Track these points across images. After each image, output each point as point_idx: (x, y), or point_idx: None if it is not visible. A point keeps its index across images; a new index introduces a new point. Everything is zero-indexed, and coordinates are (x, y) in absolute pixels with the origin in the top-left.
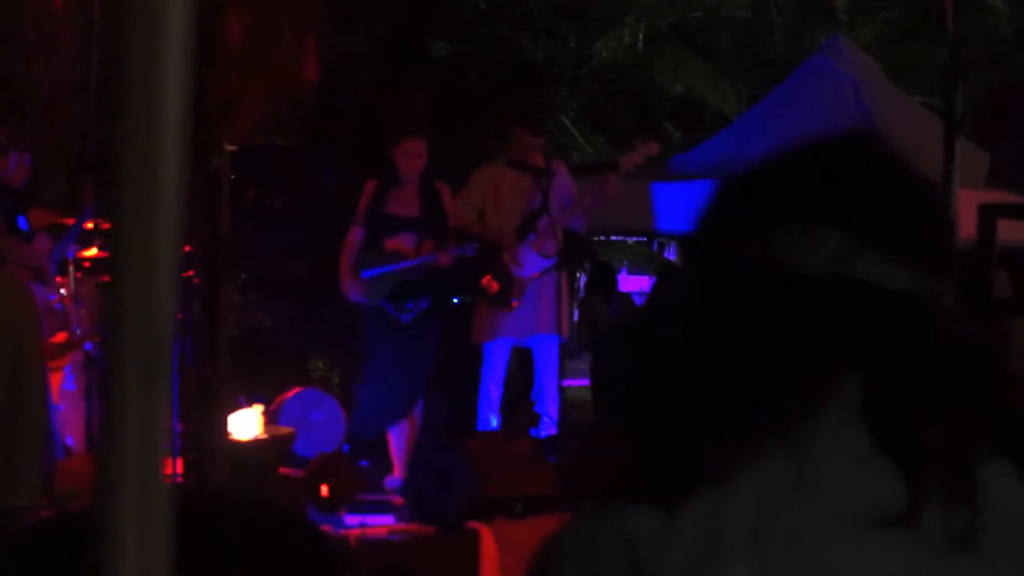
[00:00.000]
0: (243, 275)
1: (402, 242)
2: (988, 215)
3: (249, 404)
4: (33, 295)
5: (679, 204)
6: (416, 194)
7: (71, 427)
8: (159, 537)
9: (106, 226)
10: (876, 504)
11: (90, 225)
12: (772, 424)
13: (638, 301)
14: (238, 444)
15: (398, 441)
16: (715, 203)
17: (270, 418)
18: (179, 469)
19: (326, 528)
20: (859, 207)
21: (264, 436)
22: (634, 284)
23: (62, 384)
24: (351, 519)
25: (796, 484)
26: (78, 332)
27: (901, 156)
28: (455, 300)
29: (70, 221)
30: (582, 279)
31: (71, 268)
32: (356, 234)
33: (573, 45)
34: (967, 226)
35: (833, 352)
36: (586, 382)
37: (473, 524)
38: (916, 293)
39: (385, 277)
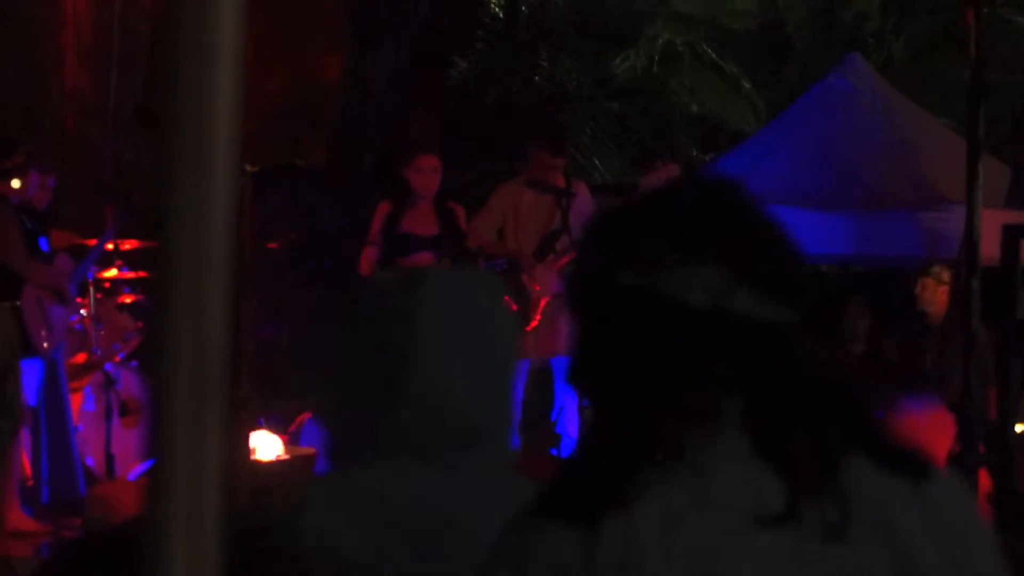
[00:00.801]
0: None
1: (420, 262)
2: (1012, 235)
3: (270, 425)
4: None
5: None
6: (432, 212)
7: (91, 447)
8: (209, 560)
9: (126, 246)
10: (762, 507)
11: (110, 246)
12: (671, 447)
13: None
14: (260, 466)
15: None
16: (603, 241)
17: (291, 439)
18: None
19: None
20: (735, 248)
21: (286, 457)
22: None
23: (82, 405)
24: None
25: (693, 499)
26: (98, 353)
27: (759, 200)
28: None
29: (91, 242)
30: None
31: (91, 289)
32: (371, 255)
33: (591, 65)
34: (990, 246)
35: (719, 376)
36: None
37: None
38: (781, 322)
39: None
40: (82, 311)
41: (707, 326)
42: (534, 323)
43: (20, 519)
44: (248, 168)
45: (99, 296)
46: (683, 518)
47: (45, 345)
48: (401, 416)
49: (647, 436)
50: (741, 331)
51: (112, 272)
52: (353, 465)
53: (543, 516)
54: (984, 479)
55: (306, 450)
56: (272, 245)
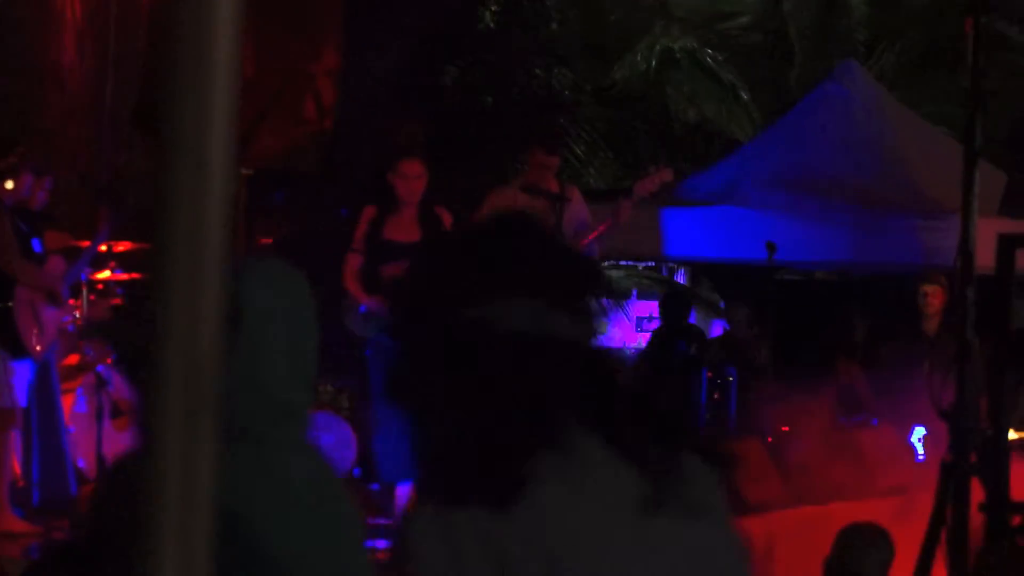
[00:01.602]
0: None
1: (399, 270)
2: (1007, 245)
3: None
4: None
5: (688, 229)
6: (416, 220)
7: (82, 449)
8: (200, 566)
9: (120, 248)
10: (628, 495)
11: (104, 248)
12: (541, 448)
13: (643, 326)
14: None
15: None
16: (432, 277)
17: None
18: None
19: None
20: (545, 279)
21: None
22: (643, 309)
23: (74, 406)
24: None
25: (573, 490)
26: (90, 354)
27: (557, 232)
28: None
29: (84, 244)
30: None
31: (84, 290)
32: (354, 261)
33: (587, 72)
34: (985, 255)
35: (555, 390)
36: None
37: None
38: (583, 339)
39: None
40: (75, 313)
41: (531, 347)
42: None
43: (10, 520)
44: (244, 171)
45: (92, 297)
46: (569, 506)
47: (37, 347)
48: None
49: (520, 440)
50: (559, 349)
51: (105, 274)
52: None
53: (453, 504)
54: (976, 488)
55: None
56: (266, 241)
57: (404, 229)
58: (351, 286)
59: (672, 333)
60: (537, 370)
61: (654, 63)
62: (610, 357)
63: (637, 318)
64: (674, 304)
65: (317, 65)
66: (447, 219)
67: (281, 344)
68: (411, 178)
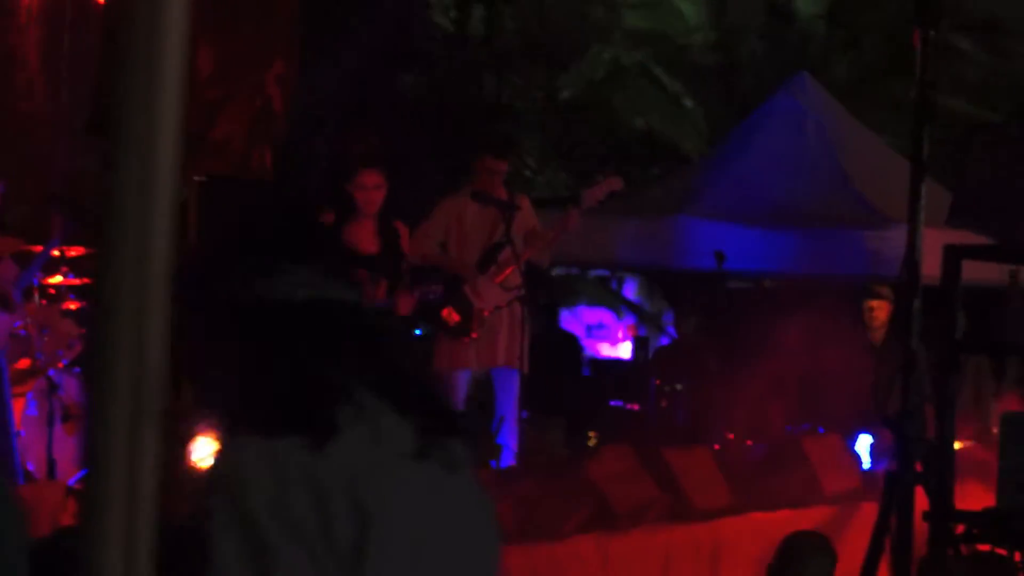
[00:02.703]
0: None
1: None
2: (953, 256)
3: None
4: None
5: (639, 238)
6: (374, 231)
7: (33, 453)
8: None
9: (72, 253)
10: (407, 445)
11: (56, 253)
12: (339, 402)
13: (593, 333)
14: (200, 472)
15: None
16: (218, 256)
17: None
18: None
19: None
20: (314, 253)
21: None
22: (593, 317)
23: (24, 410)
24: None
25: (367, 437)
26: (41, 359)
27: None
28: (416, 332)
29: (37, 248)
30: None
31: (36, 295)
32: None
33: (538, 81)
34: (931, 265)
35: (338, 349)
36: None
37: None
38: (355, 301)
39: None
40: (26, 317)
41: (313, 311)
42: (474, 334)
43: None
44: (196, 178)
45: (44, 302)
46: (368, 451)
47: None
48: None
49: (321, 396)
50: (339, 312)
51: (57, 278)
52: None
53: (276, 438)
54: (921, 497)
55: None
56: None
57: (363, 239)
58: None
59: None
60: (322, 334)
61: (603, 73)
62: (388, 323)
63: (587, 326)
64: None
65: (268, 72)
66: (404, 232)
67: None
68: (370, 188)
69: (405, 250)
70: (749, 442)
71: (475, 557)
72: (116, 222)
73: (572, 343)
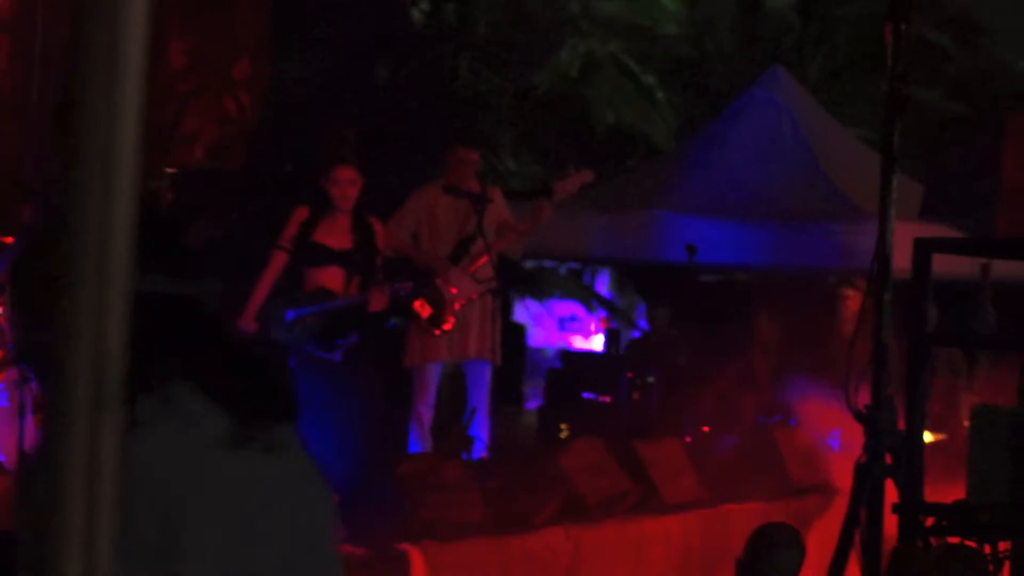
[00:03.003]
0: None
1: (329, 275)
2: (923, 249)
3: None
4: None
5: (613, 231)
6: (349, 227)
7: (3, 444)
8: (102, 559)
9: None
10: (218, 433)
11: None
12: (139, 395)
13: (566, 326)
14: None
15: (325, 459)
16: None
17: None
18: None
19: None
20: (151, 248)
21: None
22: (566, 310)
23: None
24: None
25: (169, 430)
26: (12, 350)
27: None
28: (388, 324)
29: (8, 240)
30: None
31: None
32: (279, 260)
33: (511, 74)
34: (902, 259)
35: (149, 339)
36: None
37: (402, 546)
38: (193, 296)
39: (310, 317)
40: None
41: (147, 303)
42: (447, 326)
43: None
44: (168, 170)
45: None
46: (165, 443)
47: None
48: None
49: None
50: (157, 303)
51: None
52: None
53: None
54: (891, 489)
55: None
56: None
57: (337, 235)
58: (260, 285)
59: None
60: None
61: (578, 67)
62: (205, 310)
63: (560, 318)
64: None
65: (239, 65)
66: (379, 228)
67: None
68: (344, 184)
69: (379, 246)
70: (720, 434)
71: (303, 538)
72: (76, 211)
73: (519, 334)
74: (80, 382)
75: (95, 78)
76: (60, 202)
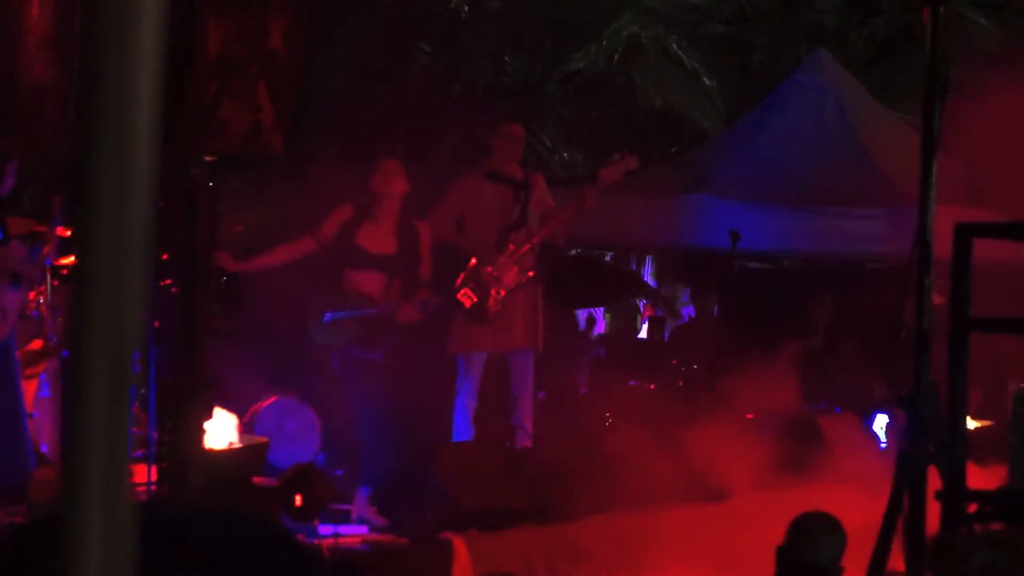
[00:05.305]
0: (224, 278)
1: (369, 279)
2: (963, 234)
3: (225, 413)
4: None
5: (657, 217)
6: (393, 231)
7: (46, 434)
8: (122, 546)
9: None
10: None
11: (68, 233)
12: None
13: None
14: (213, 453)
15: (372, 452)
16: None
17: (245, 427)
18: (153, 477)
19: (299, 538)
20: None
21: (239, 445)
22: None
23: (37, 392)
24: (325, 529)
25: None
26: (54, 340)
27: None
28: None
29: (42, 228)
30: None
31: (48, 276)
32: (304, 244)
33: (554, 59)
34: (944, 244)
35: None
36: None
37: (446, 535)
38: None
39: (348, 321)
40: (39, 298)
41: None
42: (491, 316)
43: None
44: (206, 157)
45: (56, 283)
46: None
47: None
48: None
49: None
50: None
51: (70, 259)
52: None
53: None
54: (934, 476)
55: (258, 439)
56: (239, 228)
57: (379, 238)
58: (277, 252)
59: None
60: None
61: (620, 51)
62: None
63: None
64: None
65: (275, 48)
66: (425, 233)
67: None
68: (391, 188)
69: (423, 251)
70: (765, 421)
71: None
72: (94, 201)
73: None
74: (98, 374)
75: (108, 73)
76: (78, 197)
